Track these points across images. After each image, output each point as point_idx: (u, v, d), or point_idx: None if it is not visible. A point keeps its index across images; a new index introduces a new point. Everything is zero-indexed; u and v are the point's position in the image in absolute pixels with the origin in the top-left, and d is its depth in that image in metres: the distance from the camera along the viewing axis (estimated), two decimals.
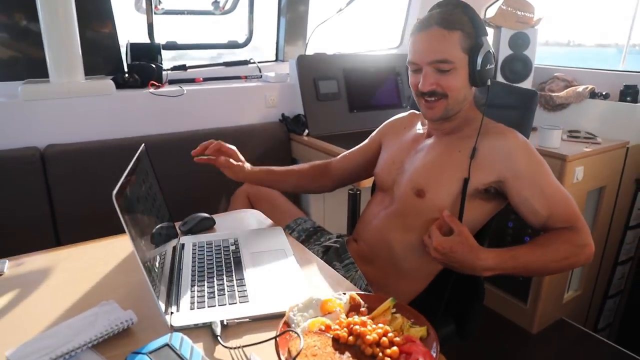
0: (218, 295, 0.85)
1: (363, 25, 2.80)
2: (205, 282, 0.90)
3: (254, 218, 1.27)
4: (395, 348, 0.68)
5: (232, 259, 0.99)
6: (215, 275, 0.92)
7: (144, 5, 2.21)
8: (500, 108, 1.20)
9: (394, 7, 2.84)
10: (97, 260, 1.02)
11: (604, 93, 2.12)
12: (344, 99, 2.18)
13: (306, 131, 2.04)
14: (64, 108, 1.70)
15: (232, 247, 1.04)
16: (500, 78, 2.42)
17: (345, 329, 0.71)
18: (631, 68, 2.32)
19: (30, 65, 1.81)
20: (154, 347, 0.70)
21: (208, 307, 0.82)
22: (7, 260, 1.02)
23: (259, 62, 2.32)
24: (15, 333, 0.77)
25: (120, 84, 1.86)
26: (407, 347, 0.69)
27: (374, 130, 1.43)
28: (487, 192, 1.06)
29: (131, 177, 0.81)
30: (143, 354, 0.68)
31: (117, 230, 1.85)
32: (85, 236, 1.67)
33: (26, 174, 1.59)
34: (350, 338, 0.70)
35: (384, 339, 0.69)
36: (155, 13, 2.22)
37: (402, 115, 1.36)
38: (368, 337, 0.69)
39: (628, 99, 2.08)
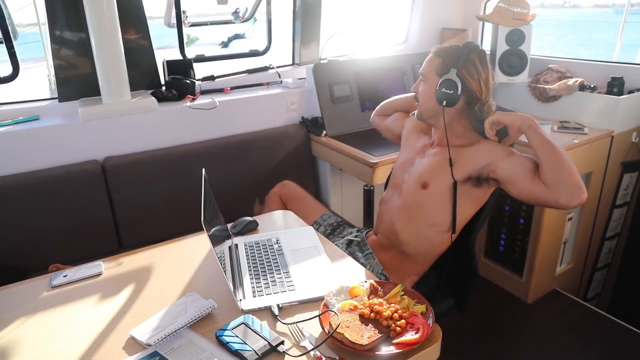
0: (272, 285, 1.14)
1: (371, 23, 2.99)
2: (260, 275, 1.19)
3: (288, 218, 1.55)
4: (403, 321, 0.96)
5: (277, 256, 1.28)
6: (266, 269, 1.21)
7: (172, 20, 2.46)
8: None
9: (399, 5, 3.04)
10: (173, 259, 1.32)
11: (592, 86, 2.34)
12: (356, 100, 2.42)
13: (324, 132, 2.30)
14: (117, 125, 1.98)
15: (276, 246, 1.33)
16: (498, 72, 2.63)
17: (368, 308, 1.00)
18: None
19: (81, 86, 2.08)
20: (234, 325, 0.99)
21: (266, 294, 1.11)
22: (102, 262, 1.31)
23: (277, 67, 2.57)
24: (128, 318, 1.07)
25: (160, 99, 2.13)
26: (412, 319, 0.97)
27: None
28: (478, 179, 1.33)
29: (206, 206, 1.08)
30: (228, 329, 0.98)
31: (171, 229, 2.22)
32: (144, 237, 2.00)
33: (90, 185, 1.90)
34: (372, 314, 0.99)
35: (395, 314, 0.98)
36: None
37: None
38: (384, 313, 0.98)
39: (614, 90, 2.30)
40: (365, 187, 2.06)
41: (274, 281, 1.16)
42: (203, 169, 1.28)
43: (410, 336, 0.93)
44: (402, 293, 1.07)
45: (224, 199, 2.13)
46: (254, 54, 2.54)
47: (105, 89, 1.97)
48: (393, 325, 0.96)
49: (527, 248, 2.21)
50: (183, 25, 2.41)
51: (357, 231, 1.63)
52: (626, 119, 2.24)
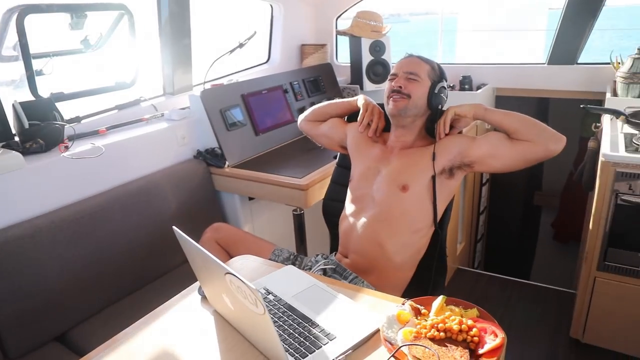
0: (309, 343, 0.97)
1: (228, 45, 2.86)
2: (285, 335, 1.00)
3: (253, 263, 1.35)
4: (475, 329, 0.93)
5: (281, 306, 1.10)
6: (284, 326, 1.03)
7: (3, 52, 1.96)
8: None
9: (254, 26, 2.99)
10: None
11: (451, 85, 2.68)
12: (249, 124, 2.29)
13: (227, 163, 2.11)
14: None
15: (271, 297, 1.15)
16: (365, 80, 2.82)
17: (433, 329, 0.94)
18: None
19: None
20: None
21: (310, 354, 0.94)
22: None
23: (149, 99, 2.26)
24: None
25: (22, 152, 1.66)
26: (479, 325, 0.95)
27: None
28: (451, 170, 1.40)
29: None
30: None
31: (77, 314, 1.80)
32: (40, 336, 1.54)
33: None
34: (442, 334, 0.93)
35: (463, 326, 0.94)
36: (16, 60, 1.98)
37: None
38: (454, 327, 0.93)
39: (466, 87, 2.68)
40: (295, 212, 1.95)
41: (306, 337, 1.00)
42: (174, 227, 1.04)
43: (491, 341, 0.90)
44: (446, 304, 1.04)
45: (135, 258, 1.79)
46: (121, 86, 2.18)
47: None
48: (469, 337, 0.92)
49: None
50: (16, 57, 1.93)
51: (324, 257, 1.53)
52: None
